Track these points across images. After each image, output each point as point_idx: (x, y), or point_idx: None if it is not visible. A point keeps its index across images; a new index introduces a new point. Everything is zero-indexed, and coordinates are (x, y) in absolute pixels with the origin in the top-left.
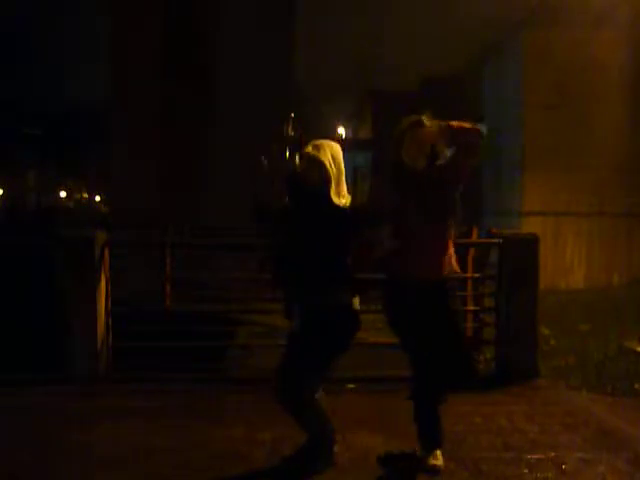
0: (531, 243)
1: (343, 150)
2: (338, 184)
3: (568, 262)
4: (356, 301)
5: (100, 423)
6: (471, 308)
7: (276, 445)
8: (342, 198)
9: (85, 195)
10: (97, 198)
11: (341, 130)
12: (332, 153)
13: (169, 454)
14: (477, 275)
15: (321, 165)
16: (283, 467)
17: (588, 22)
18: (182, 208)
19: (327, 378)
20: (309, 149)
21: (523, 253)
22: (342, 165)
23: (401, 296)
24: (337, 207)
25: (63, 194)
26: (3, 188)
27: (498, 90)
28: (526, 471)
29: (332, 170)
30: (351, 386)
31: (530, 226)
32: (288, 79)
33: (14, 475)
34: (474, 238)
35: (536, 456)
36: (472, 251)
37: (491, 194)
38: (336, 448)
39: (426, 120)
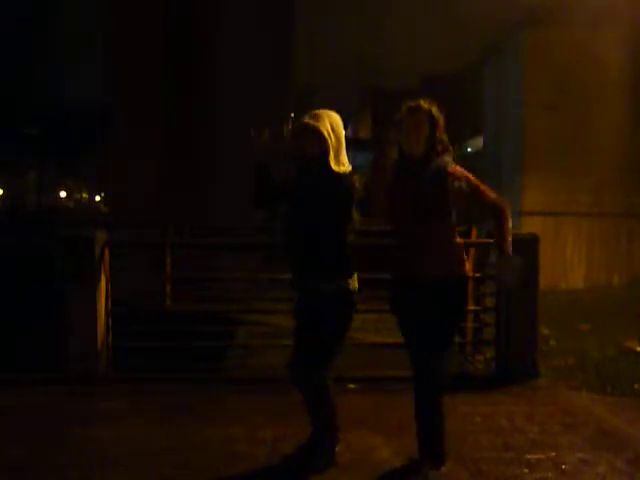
0: (531, 243)
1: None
2: (338, 153)
3: (568, 262)
4: (354, 282)
5: (100, 423)
6: (471, 308)
7: (276, 444)
8: (342, 166)
9: (85, 195)
10: (97, 198)
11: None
12: (331, 122)
13: (169, 454)
14: (477, 275)
15: (319, 134)
16: (284, 466)
17: (588, 22)
18: (182, 208)
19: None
20: (307, 119)
21: (523, 253)
22: (342, 134)
23: (402, 296)
24: (337, 174)
25: (63, 194)
26: (3, 188)
27: (498, 90)
28: (526, 471)
29: (331, 139)
30: (351, 386)
31: (530, 226)
32: (288, 79)
33: (14, 475)
34: (474, 238)
35: (536, 456)
36: (472, 251)
37: None
38: (338, 448)
39: (424, 104)
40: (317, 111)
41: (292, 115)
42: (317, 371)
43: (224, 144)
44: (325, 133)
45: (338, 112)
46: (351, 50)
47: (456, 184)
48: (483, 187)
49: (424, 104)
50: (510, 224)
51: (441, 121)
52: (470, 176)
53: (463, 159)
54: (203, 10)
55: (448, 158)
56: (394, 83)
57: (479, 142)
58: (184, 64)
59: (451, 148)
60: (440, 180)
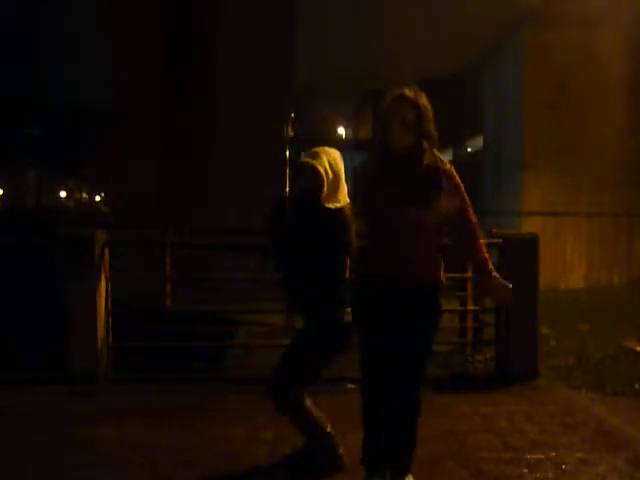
0: (531, 243)
1: (342, 150)
2: (335, 190)
3: (568, 262)
4: (349, 312)
5: (100, 423)
6: (471, 308)
7: (277, 445)
8: (337, 203)
9: (85, 195)
10: (97, 198)
11: (341, 130)
12: (329, 160)
13: (169, 454)
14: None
15: (316, 172)
16: (284, 466)
17: (588, 22)
18: (182, 208)
19: (322, 379)
20: (305, 157)
21: (523, 253)
22: (341, 171)
23: (382, 299)
24: (329, 211)
25: (63, 194)
26: (3, 188)
27: (498, 90)
28: (526, 471)
29: (327, 177)
30: (351, 386)
31: (530, 226)
32: (288, 79)
33: (14, 475)
34: None
35: (536, 456)
36: None
37: (491, 194)
38: (341, 450)
39: (409, 92)
40: (316, 149)
41: (292, 115)
42: (294, 390)
43: (224, 144)
44: (322, 171)
45: (338, 112)
46: (351, 50)
47: (450, 187)
48: (469, 203)
49: (409, 92)
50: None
51: (429, 112)
52: (461, 185)
53: (463, 159)
54: (203, 10)
55: (439, 155)
56: (394, 83)
57: (479, 142)
58: (184, 64)
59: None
60: (432, 180)
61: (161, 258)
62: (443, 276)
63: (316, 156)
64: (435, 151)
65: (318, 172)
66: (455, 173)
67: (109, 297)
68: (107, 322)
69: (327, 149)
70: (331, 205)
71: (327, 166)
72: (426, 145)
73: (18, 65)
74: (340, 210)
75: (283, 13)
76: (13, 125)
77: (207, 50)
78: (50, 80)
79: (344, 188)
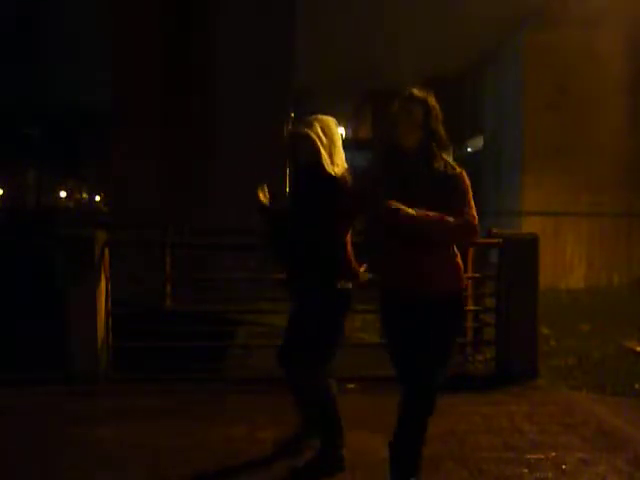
0: (531, 243)
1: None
2: (332, 154)
3: (568, 262)
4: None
5: (100, 423)
6: (471, 308)
7: (277, 444)
8: (336, 167)
9: (85, 195)
10: (97, 198)
11: (341, 130)
12: (321, 126)
13: (169, 454)
14: (477, 275)
15: (309, 139)
16: (284, 466)
17: (588, 22)
18: (182, 208)
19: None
20: (297, 126)
21: (523, 253)
22: (335, 136)
23: (411, 314)
24: (331, 177)
25: (63, 194)
26: (3, 188)
27: (498, 90)
28: (526, 471)
29: (322, 142)
30: (351, 386)
31: (530, 226)
32: (288, 79)
33: (14, 475)
34: None
35: (536, 456)
36: (472, 251)
37: (491, 194)
38: (344, 452)
39: (417, 92)
40: (310, 117)
41: (292, 115)
42: (313, 369)
43: (224, 144)
44: (314, 137)
45: (338, 112)
46: (351, 50)
47: (458, 191)
48: (473, 208)
49: (417, 92)
50: (460, 234)
51: (437, 112)
52: (470, 191)
53: (463, 159)
54: (203, 10)
55: (446, 157)
56: (394, 83)
57: (479, 142)
58: (184, 64)
59: (449, 146)
60: (438, 183)
61: (161, 258)
62: (464, 276)
63: (309, 124)
64: (444, 154)
65: (312, 140)
66: (466, 178)
67: (109, 297)
68: (107, 322)
69: (321, 116)
70: (331, 170)
71: (319, 132)
72: (434, 146)
73: (18, 65)
74: (341, 177)
75: (283, 13)
76: (13, 125)
77: (207, 50)
78: (50, 80)
79: (340, 152)
